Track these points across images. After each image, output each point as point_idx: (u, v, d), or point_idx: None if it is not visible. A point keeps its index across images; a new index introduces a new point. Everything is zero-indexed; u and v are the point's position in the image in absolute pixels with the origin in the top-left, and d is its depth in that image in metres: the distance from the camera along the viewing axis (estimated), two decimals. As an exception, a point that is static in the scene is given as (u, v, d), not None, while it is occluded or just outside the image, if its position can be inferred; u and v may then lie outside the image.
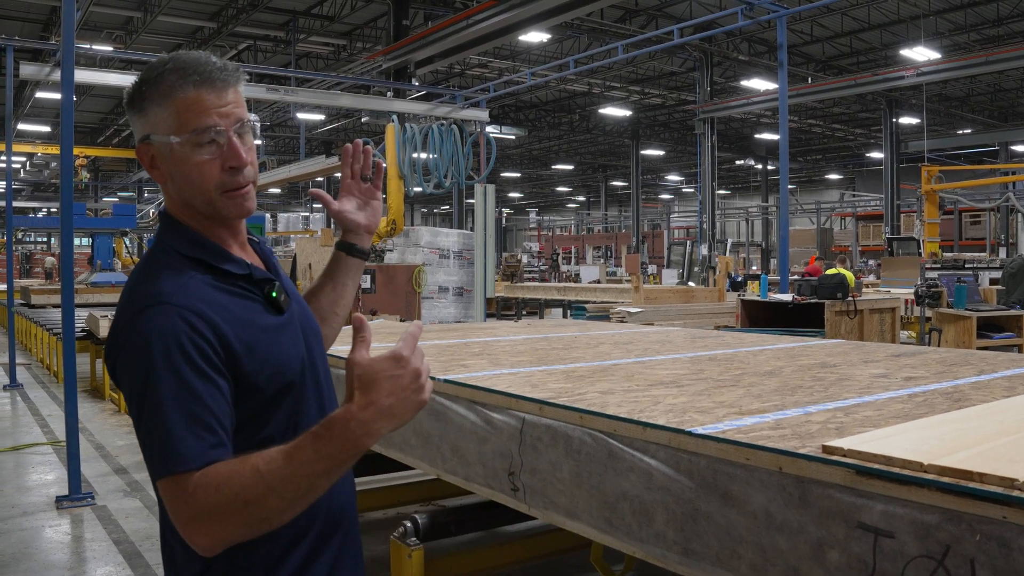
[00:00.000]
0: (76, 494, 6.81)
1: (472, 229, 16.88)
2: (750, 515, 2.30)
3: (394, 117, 15.31)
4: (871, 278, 24.71)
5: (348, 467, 1.47)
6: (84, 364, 12.74)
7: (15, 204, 18.17)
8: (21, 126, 28.28)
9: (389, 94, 19.70)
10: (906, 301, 13.49)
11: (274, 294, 1.73)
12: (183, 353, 1.52)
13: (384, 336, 6.20)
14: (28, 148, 33.25)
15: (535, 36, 22.36)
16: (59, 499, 6.81)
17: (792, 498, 2.20)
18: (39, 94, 18.52)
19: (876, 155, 40.52)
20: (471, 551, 4.21)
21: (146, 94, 1.67)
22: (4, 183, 14.26)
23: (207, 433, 1.49)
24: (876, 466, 2.05)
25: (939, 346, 10.42)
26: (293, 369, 1.70)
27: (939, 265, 17.04)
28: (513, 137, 38.40)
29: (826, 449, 2.22)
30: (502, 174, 51.93)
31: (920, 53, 23.93)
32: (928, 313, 11.87)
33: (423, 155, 15.14)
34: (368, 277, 13.31)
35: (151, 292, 1.60)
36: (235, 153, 1.68)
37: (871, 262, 32.69)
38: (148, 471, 1.53)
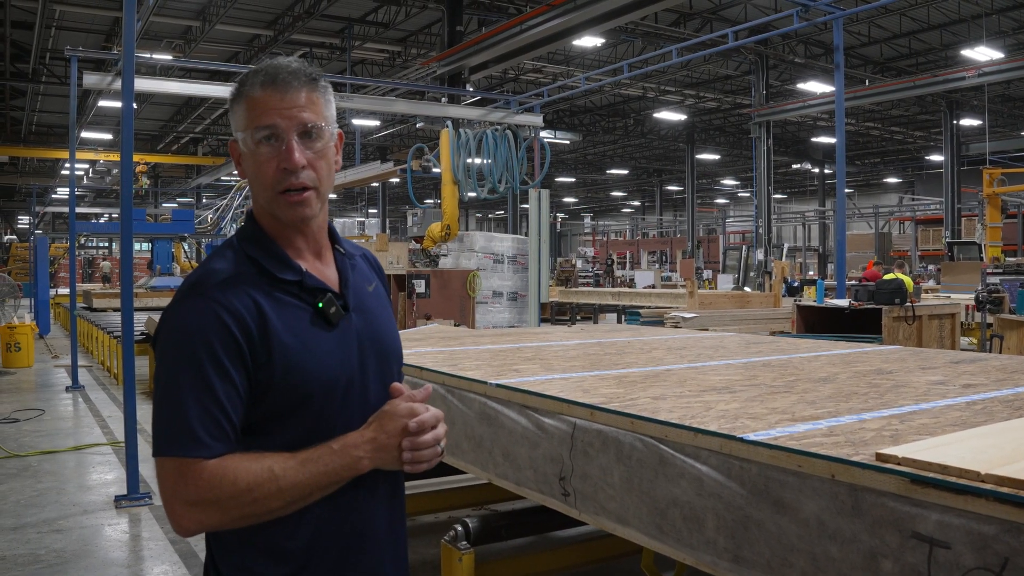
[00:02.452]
0: (134, 494, 6.94)
1: (527, 234, 16.89)
2: (802, 523, 2.27)
3: (448, 123, 15.38)
4: (931, 283, 24.34)
5: (340, 484, 1.67)
6: (143, 366, 12.95)
7: (78, 210, 18.54)
8: (84, 134, 28.86)
9: (443, 100, 19.78)
10: (967, 307, 13.25)
11: (321, 305, 1.74)
12: (206, 346, 1.61)
13: (437, 341, 6.23)
14: (91, 155, 33.94)
15: (589, 41, 22.30)
16: (118, 498, 6.94)
17: (845, 506, 2.17)
18: (101, 102, 18.89)
19: (936, 158, 39.85)
20: (521, 556, 4.21)
21: (234, 94, 1.76)
22: (68, 189, 14.57)
23: (215, 427, 1.60)
24: (931, 475, 2.02)
25: (1000, 353, 10.22)
26: (324, 382, 1.71)
27: (1001, 270, 16.70)
28: (567, 142, 38.36)
29: (880, 457, 2.19)
30: (556, 179, 51.91)
31: (982, 53, 23.48)
32: (989, 319, 11.66)
33: (477, 160, 15.19)
34: (423, 282, 13.38)
35: (196, 282, 1.69)
36: (288, 154, 1.71)
37: (931, 267, 32.19)
38: (153, 443, 1.63)
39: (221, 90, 16.35)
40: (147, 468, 7.80)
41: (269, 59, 1.76)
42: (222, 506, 1.57)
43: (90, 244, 52.62)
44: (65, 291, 24.69)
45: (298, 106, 1.71)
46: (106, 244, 54.07)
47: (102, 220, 44.97)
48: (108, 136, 33.64)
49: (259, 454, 1.61)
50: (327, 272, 1.82)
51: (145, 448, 8.62)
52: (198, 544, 5.89)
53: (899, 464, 2.12)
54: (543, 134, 18.42)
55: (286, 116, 1.70)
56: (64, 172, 36.85)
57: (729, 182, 56.01)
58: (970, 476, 1.96)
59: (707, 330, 10.06)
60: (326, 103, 1.77)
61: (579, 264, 37.51)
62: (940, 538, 1.94)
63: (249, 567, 1.70)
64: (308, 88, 1.74)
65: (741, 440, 2.51)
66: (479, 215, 69.11)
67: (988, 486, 1.90)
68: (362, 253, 1.98)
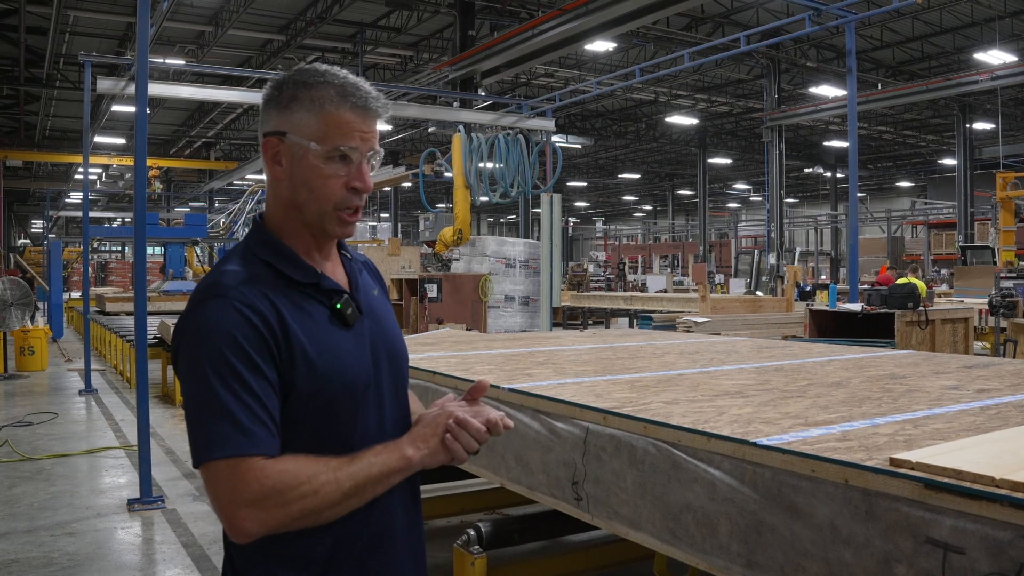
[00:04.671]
0: (147, 497, 6.95)
1: (538, 238, 16.88)
2: (815, 528, 2.27)
3: (460, 127, 15.40)
4: (943, 287, 24.25)
5: (396, 480, 1.69)
6: (156, 370, 13.01)
7: (91, 214, 18.59)
8: (97, 139, 28.95)
9: (455, 104, 19.80)
10: (980, 311, 13.19)
11: (339, 306, 1.76)
12: (235, 346, 1.60)
13: (449, 345, 6.23)
14: (104, 160, 34.01)
15: (601, 45, 22.30)
16: (131, 502, 6.96)
17: (858, 511, 2.17)
18: (115, 107, 18.94)
19: (948, 162, 39.73)
20: (534, 560, 4.21)
21: (297, 95, 1.74)
22: (81, 194, 14.64)
23: (261, 423, 1.58)
24: (945, 480, 2.01)
25: (1014, 357, 10.18)
26: (345, 384, 1.72)
27: (1015, 274, 16.62)
28: (579, 146, 38.37)
29: (894, 462, 2.18)
30: (568, 183, 51.89)
31: (995, 56, 23.40)
32: (1003, 324, 11.61)
33: (489, 165, 15.20)
34: (435, 286, 13.39)
35: (214, 283, 1.68)
36: (362, 176, 1.77)
37: (943, 271, 32.07)
38: (195, 451, 1.60)
39: (234, 95, 16.40)
40: (159, 472, 7.83)
41: (328, 68, 1.78)
42: (284, 500, 1.54)
43: (103, 248, 52.78)
44: (77, 295, 24.73)
45: (373, 132, 1.78)
46: (119, 248, 54.23)
47: (115, 224, 45.13)
48: (121, 141, 33.76)
49: (310, 456, 1.61)
50: (337, 275, 1.85)
51: (158, 451, 8.66)
52: (210, 548, 5.91)
53: (913, 469, 2.12)
54: (555, 138, 18.40)
55: (364, 140, 1.76)
56: (77, 176, 36.95)
57: (741, 186, 55.92)
58: (984, 481, 1.95)
59: (719, 334, 10.04)
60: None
61: (591, 268, 37.47)
62: (954, 543, 1.94)
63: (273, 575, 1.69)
64: (381, 116, 1.81)
65: (754, 445, 2.50)
66: (491, 219, 69.14)
67: (1003, 491, 1.90)
68: (364, 260, 2.02)
